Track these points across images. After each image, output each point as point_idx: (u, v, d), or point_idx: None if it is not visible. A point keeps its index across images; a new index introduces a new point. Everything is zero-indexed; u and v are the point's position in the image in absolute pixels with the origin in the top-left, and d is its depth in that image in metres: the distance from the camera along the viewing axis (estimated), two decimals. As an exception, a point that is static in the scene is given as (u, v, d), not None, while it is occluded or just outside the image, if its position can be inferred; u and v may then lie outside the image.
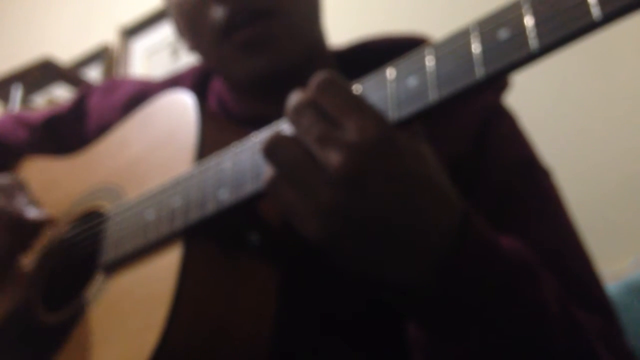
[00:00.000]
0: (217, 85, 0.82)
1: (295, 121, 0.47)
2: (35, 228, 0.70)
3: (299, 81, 0.72)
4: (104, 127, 0.81)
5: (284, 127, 0.52)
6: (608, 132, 1.54)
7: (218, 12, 0.68)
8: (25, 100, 2.37)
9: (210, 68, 0.82)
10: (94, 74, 2.66)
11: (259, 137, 0.56)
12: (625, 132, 1.52)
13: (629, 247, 1.41)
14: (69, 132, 0.90)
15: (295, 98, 0.49)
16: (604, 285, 0.64)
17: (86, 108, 0.90)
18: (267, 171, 0.49)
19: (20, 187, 0.73)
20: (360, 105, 0.46)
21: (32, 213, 0.70)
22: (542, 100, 1.60)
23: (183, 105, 0.67)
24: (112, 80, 0.93)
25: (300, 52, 0.72)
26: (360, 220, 0.45)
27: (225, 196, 0.56)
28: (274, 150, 0.47)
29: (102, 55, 2.67)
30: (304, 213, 0.46)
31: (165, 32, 2.51)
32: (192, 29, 0.74)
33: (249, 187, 0.54)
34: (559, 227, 0.66)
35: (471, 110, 0.70)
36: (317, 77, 0.48)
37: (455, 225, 0.47)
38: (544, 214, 0.66)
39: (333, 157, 0.44)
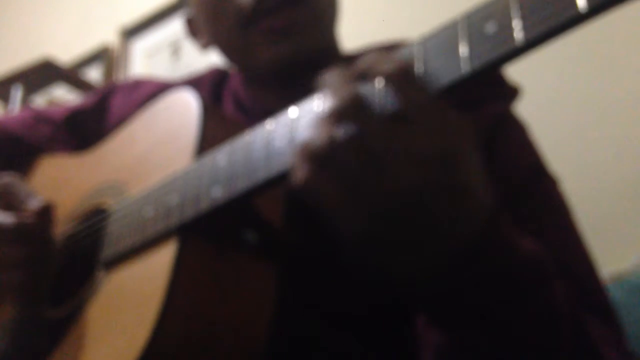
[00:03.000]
0: (234, 83, 0.83)
1: (354, 123, 0.44)
2: (41, 219, 0.69)
3: (313, 77, 0.73)
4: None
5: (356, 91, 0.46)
6: (608, 132, 1.54)
7: None
8: (25, 100, 2.37)
9: (230, 59, 0.82)
10: (94, 74, 2.66)
11: (256, 132, 0.56)
12: (625, 132, 1.52)
13: (630, 248, 1.40)
14: (90, 129, 0.91)
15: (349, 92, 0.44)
16: (607, 292, 0.65)
17: (108, 106, 0.91)
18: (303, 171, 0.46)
19: (14, 183, 0.73)
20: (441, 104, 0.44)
21: (32, 203, 0.69)
22: (542, 100, 1.60)
23: (186, 103, 0.68)
24: (135, 80, 0.94)
25: (322, 43, 0.74)
26: (406, 226, 0.44)
27: (218, 193, 0.56)
28: (328, 153, 0.44)
29: (102, 56, 2.67)
30: (366, 187, 0.43)
31: (166, 32, 2.51)
32: (213, 17, 0.75)
33: (241, 185, 0.54)
34: (565, 235, 0.66)
35: (480, 118, 0.70)
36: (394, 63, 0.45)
37: (488, 213, 0.46)
38: (550, 221, 0.66)
39: (403, 172, 0.42)
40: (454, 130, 0.43)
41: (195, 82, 0.86)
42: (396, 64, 0.44)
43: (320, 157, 0.44)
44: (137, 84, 0.91)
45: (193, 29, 0.84)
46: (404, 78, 0.43)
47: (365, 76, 0.45)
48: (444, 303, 0.48)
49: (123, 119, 0.84)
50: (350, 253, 0.48)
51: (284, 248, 0.61)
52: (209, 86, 0.84)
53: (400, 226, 0.43)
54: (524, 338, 0.48)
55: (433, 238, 0.44)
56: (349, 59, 0.81)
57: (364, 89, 0.45)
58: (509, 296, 0.47)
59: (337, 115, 0.43)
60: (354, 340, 0.65)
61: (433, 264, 0.46)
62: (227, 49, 0.78)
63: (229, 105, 0.81)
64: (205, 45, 0.81)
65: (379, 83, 0.44)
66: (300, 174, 0.45)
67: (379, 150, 0.42)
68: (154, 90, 0.87)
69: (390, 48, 0.78)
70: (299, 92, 0.73)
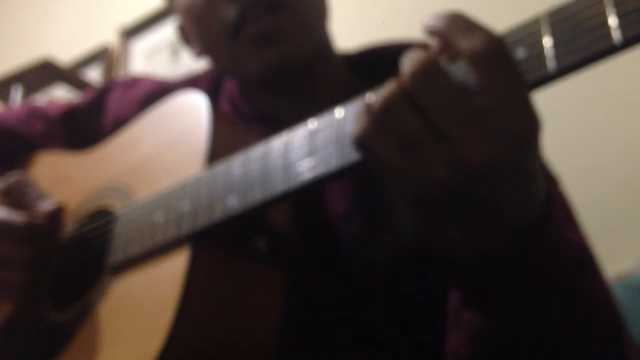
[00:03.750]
0: (229, 86, 0.82)
1: (423, 88, 0.43)
2: (52, 222, 0.68)
3: (307, 79, 0.73)
4: (119, 123, 0.82)
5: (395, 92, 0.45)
6: (608, 132, 1.54)
7: (229, 10, 0.69)
8: (25, 100, 2.36)
9: (221, 69, 0.82)
10: (94, 74, 2.65)
11: (272, 143, 0.55)
12: (626, 133, 1.52)
13: (630, 247, 1.41)
14: (85, 126, 0.90)
15: (422, 57, 0.43)
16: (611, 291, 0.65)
17: (105, 103, 0.90)
18: (361, 126, 0.45)
19: (25, 182, 0.72)
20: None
21: (43, 205, 0.69)
22: (541, 100, 1.60)
23: (195, 106, 0.67)
24: (132, 78, 0.93)
25: (309, 47, 0.73)
26: (471, 201, 0.43)
27: (234, 203, 0.56)
28: (390, 115, 0.43)
29: (102, 56, 2.66)
30: (429, 153, 0.42)
31: (165, 32, 2.50)
32: (201, 30, 0.74)
33: (258, 196, 0.54)
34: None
35: None
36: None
37: (544, 201, 0.46)
38: None
39: (475, 146, 0.41)
40: (530, 116, 0.42)
41: (194, 82, 0.85)
42: (485, 40, 0.41)
43: (381, 113, 0.43)
44: (134, 82, 0.91)
45: (186, 36, 0.83)
46: (494, 56, 0.41)
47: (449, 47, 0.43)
48: (490, 284, 0.47)
49: (120, 117, 0.84)
50: (404, 216, 0.47)
51: (293, 256, 0.62)
52: (206, 86, 0.83)
53: (461, 199, 0.43)
54: (562, 325, 0.48)
55: (494, 219, 0.44)
56: (348, 59, 0.81)
57: (445, 61, 0.44)
58: (554, 283, 0.47)
59: (407, 78, 0.43)
60: (360, 348, 0.65)
61: (486, 244, 0.45)
62: (217, 61, 0.78)
63: (226, 107, 0.81)
64: (198, 54, 0.80)
65: (464, 58, 0.42)
66: (358, 127, 0.44)
67: (448, 120, 0.41)
68: (152, 88, 0.86)
69: (393, 48, 0.78)
70: (294, 96, 0.74)
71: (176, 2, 0.77)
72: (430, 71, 0.42)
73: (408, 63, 0.43)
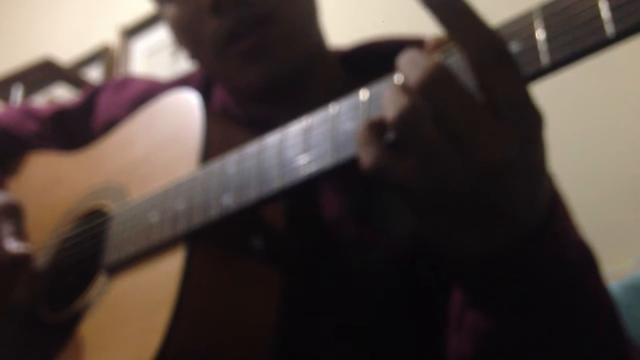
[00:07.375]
0: (220, 89, 0.82)
1: (437, 97, 0.41)
2: (11, 261, 0.66)
3: (300, 84, 0.73)
4: (110, 124, 0.81)
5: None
6: (608, 133, 1.54)
7: (217, 25, 0.68)
8: (25, 100, 2.37)
9: (211, 76, 0.82)
10: (94, 74, 2.66)
11: (267, 140, 0.55)
12: (625, 133, 1.52)
13: (630, 247, 1.41)
14: (76, 127, 0.90)
15: (428, 64, 0.41)
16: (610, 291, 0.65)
17: (96, 104, 0.90)
18: (375, 153, 0.43)
19: (11, 212, 0.71)
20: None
21: (10, 245, 0.67)
22: (541, 100, 1.60)
23: (188, 105, 0.67)
24: (123, 78, 0.93)
25: (299, 57, 0.72)
26: (486, 204, 0.42)
27: (229, 202, 0.56)
28: (411, 123, 0.41)
29: (102, 56, 2.67)
30: (449, 164, 0.42)
31: (165, 32, 2.51)
32: (191, 41, 0.74)
33: (253, 194, 0.54)
34: None
35: None
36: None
37: (550, 201, 0.46)
38: None
39: (489, 147, 0.41)
40: (533, 112, 0.42)
41: (185, 81, 0.85)
42: (487, 38, 0.40)
43: (400, 133, 0.42)
44: (125, 82, 0.90)
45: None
46: (496, 55, 0.40)
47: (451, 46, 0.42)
48: (495, 284, 0.47)
49: (111, 118, 0.84)
50: (413, 225, 0.47)
51: (289, 255, 0.62)
52: (198, 86, 0.83)
53: (476, 203, 0.42)
54: (566, 325, 0.48)
55: (503, 219, 0.44)
56: (342, 57, 0.80)
57: (450, 60, 0.43)
58: (559, 283, 0.47)
59: (419, 86, 0.41)
60: (357, 348, 0.65)
61: (494, 244, 0.45)
62: (207, 69, 0.78)
63: (218, 107, 0.80)
64: (191, 57, 0.79)
65: (465, 59, 0.41)
66: (371, 156, 0.43)
67: (463, 126, 0.41)
68: (144, 88, 0.86)
69: (387, 44, 0.78)
70: (286, 102, 0.73)
71: (164, 12, 0.76)
72: (441, 78, 0.41)
73: (408, 66, 0.42)
